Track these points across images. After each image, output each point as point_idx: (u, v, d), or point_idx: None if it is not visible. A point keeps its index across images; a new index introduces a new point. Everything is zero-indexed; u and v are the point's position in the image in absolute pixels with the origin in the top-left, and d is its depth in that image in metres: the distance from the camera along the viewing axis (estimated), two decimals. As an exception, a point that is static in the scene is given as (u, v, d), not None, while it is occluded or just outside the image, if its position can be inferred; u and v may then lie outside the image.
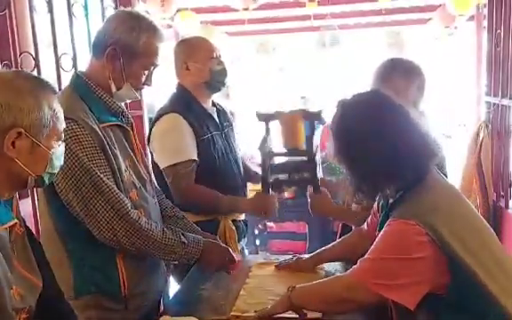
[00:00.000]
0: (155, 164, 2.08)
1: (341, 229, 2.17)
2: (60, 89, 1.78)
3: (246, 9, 3.91)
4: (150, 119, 2.37)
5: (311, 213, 2.01)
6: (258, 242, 4.43)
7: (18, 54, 1.86)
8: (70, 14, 2.09)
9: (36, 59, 1.91)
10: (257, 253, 4.01)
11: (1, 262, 1.02)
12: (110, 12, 2.31)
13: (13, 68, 1.78)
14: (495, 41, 2.90)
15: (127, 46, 1.51)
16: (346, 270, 1.41)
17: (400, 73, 1.81)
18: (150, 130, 2.12)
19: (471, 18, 4.72)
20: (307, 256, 1.85)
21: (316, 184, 1.96)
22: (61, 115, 1.13)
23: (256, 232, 4.41)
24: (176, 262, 1.71)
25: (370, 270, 1.26)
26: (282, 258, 1.93)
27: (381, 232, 1.29)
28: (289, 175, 2.04)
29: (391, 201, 1.36)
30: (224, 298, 1.62)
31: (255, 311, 1.46)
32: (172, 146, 2.02)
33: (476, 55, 4.48)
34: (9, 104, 1.03)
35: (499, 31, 2.83)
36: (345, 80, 7.73)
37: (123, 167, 1.53)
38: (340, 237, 2.02)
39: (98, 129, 1.48)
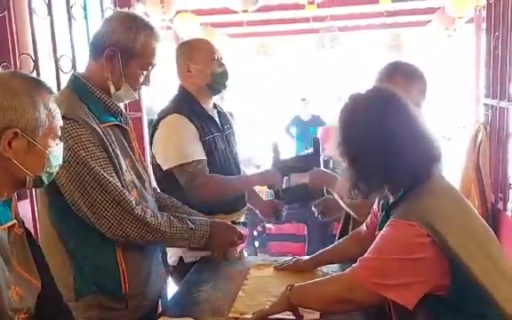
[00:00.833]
0: (157, 167, 2.08)
1: (340, 231, 2.17)
2: (58, 91, 1.78)
3: (246, 11, 3.92)
4: (149, 121, 2.37)
5: (311, 187, 2.05)
6: (257, 244, 4.43)
7: (17, 56, 1.86)
8: (69, 16, 2.10)
9: (35, 60, 1.91)
10: (256, 255, 4.01)
11: (-1, 263, 1.03)
12: (109, 13, 2.32)
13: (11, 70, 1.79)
14: (494, 43, 2.90)
15: (125, 47, 1.52)
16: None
17: (401, 76, 1.81)
18: (153, 132, 2.12)
19: (470, 20, 4.73)
20: (306, 258, 1.85)
21: (317, 159, 2.07)
22: (58, 113, 1.14)
23: (255, 234, 4.41)
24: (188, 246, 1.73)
25: (369, 269, 1.26)
26: (280, 259, 1.93)
27: (382, 231, 1.28)
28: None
29: (392, 201, 1.35)
30: (222, 299, 1.62)
31: (253, 313, 1.46)
32: (180, 145, 2.02)
33: (475, 57, 4.49)
34: (4, 105, 1.03)
35: (497, 33, 2.84)
36: (345, 82, 7.74)
37: (123, 167, 1.55)
38: (339, 238, 2.02)
39: (99, 129, 1.49)
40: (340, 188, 2.03)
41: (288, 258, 1.92)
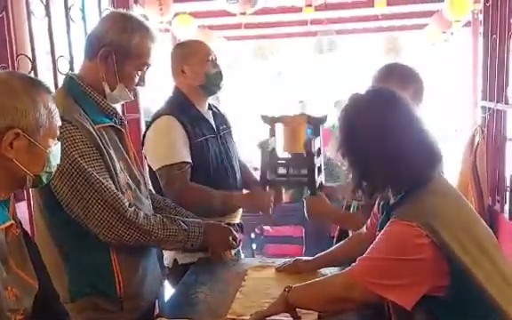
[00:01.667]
0: (150, 169, 2.08)
1: (338, 233, 2.17)
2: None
3: (243, 13, 3.92)
4: (147, 122, 2.37)
5: (307, 217, 2.01)
6: (254, 246, 4.42)
7: (15, 57, 1.86)
8: (68, 17, 2.10)
9: (33, 61, 1.91)
10: (253, 257, 4.01)
11: (-4, 263, 1.02)
12: (107, 14, 2.32)
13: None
14: (491, 46, 2.92)
15: (120, 47, 1.52)
16: (342, 273, 1.41)
17: (396, 78, 1.81)
18: (144, 134, 2.12)
19: (467, 23, 4.75)
20: (306, 258, 1.85)
21: (314, 187, 1.96)
22: (57, 113, 1.14)
23: (252, 236, 4.41)
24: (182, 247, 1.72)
25: (368, 269, 1.26)
26: (278, 260, 1.93)
27: (381, 232, 1.28)
28: (287, 174, 2.06)
29: (392, 202, 1.35)
30: (220, 301, 1.61)
31: (251, 315, 1.46)
32: (165, 147, 2.01)
33: (472, 60, 4.51)
34: (5, 105, 1.03)
35: (494, 36, 2.85)
36: (343, 84, 7.76)
37: (118, 168, 1.54)
38: (337, 241, 2.02)
39: (93, 130, 1.48)
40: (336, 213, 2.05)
41: (287, 259, 1.91)
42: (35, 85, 1.10)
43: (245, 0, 3.71)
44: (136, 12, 3.02)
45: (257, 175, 2.22)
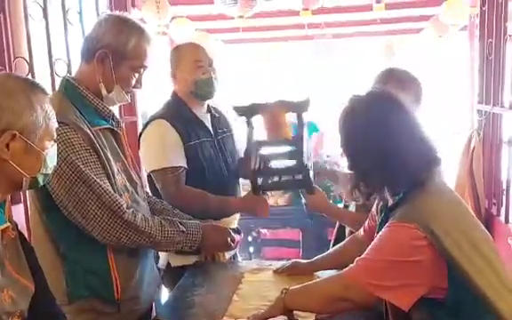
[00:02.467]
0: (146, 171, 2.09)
1: (335, 236, 2.18)
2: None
3: (241, 17, 3.93)
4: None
5: (305, 210, 1.99)
6: (251, 249, 4.42)
7: (12, 59, 1.86)
8: (65, 20, 2.10)
9: (30, 64, 1.91)
10: (250, 260, 4.01)
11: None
12: (104, 17, 2.32)
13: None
14: (487, 50, 2.93)
15: (116, 49, 1.53)
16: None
17: (395, 82, 1.82)
18: (139, 137, 2.13)
19: (464, 28, 4.77)
20: (303, 261, 1.85)
21: (310, 186, 1.94)
22: (53, 115, 1.15)
23: (250, 239, 4.40)
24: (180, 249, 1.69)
25: (366, 270, 1.26)
26: (275, 263, 1.92)
27: (380, 233, 1.29)
28: (279, 178, 2.00)
29: (391, 203, 1.36)
30: (216, 303, 1.62)
31: (248, 318, 1.46)
32: (157, 152, 2.01)
33: (469, 64, 4.52)
34: (2, 106, 1.03)
35: (490, 40, 2.86)
36: (340, 88, 7.76)
37: (115, 170, 1.54)
38: (334, 244, 2.02)
39: (90, 132, 1.48)
40: (338, 212, 2.05)
41: (285, 262, 1.91)
42: (31, 87, 1.11)
43: (244, 3, 3.72)
44: (134, 15, 3.02)
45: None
